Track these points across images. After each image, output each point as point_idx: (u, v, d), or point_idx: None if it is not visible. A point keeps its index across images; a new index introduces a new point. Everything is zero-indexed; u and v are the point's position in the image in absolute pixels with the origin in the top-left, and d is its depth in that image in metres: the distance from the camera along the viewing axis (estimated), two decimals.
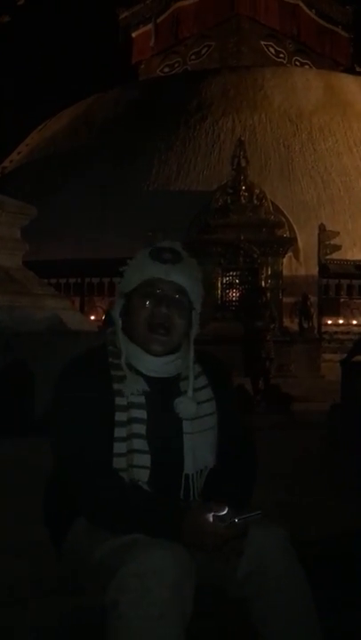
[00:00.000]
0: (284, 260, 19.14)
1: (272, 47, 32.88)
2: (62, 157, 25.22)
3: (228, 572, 2.03)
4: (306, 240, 20.43)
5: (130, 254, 2.29)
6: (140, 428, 2.12)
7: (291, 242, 19.82)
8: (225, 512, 1.94)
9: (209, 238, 18.31)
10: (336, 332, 18.56)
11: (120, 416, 2.12)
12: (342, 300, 19.77)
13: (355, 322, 19.55)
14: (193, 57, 32.71)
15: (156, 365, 2.20)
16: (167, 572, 1.84)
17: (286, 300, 18.36)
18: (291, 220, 20.81)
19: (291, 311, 18.42)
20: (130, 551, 1.90)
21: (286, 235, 19.73)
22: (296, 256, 20.72)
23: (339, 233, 19.42)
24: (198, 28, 32.48)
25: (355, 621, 2.60)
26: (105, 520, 2.06)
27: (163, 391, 2.18)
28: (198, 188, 22.49)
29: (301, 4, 33.20)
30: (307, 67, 32.38)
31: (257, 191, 19.29)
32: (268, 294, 14.57)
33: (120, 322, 2.22)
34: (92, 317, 16.65)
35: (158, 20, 33.23)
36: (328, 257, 19.09)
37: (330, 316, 19.14)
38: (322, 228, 19.15)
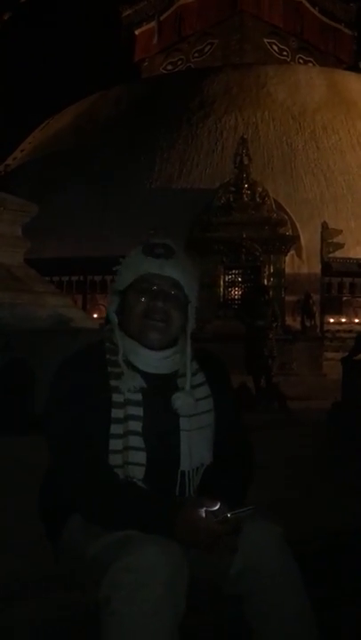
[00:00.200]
0: (287, 258, 19.12)
1: (275, 45, 32.82)
2: (65, 155, 25.18)
3: (223, 568, 2.02)
4: (308, 238, 20.38)
5: None
6: (137, 426, 2.11)
7: (293, 240, 19.77)
8: (217, 507, 1.94)
9: (211, 236, 18.29)
10: (338, 331, 18.51)
11: (117, 413, 2.12)
12: (345, 298, 19.70)
13: (357, 320, 19.49)
14: (196, 55, 32.67)
15: (154, 360, 2.20)
16: (161, 568, 1.83)
17: (289, 298, 18.33)
18: (293, 217, 20.75)
19: (293, 309, 18.39)
20: (123, 547, 1.89)
21: (289, 233, 19.67)
22: (299, 254, 20.68)
23: (342, 231, 19.38)
24: (201, 26, 32.43)
25: (351, 619, 2.60)
26: (98, 516, 2.05)
27: (160, 388, 2.17)
28: (201, 185, 22.43)
29: (305, 2, 33.14)
30: (310, 64, 32.30)
31: (259, 189, 19.27)
32: (271, 292, 14.53)
33: (116, 319, 2.23)
34: (95, 315, 16.60)
35: (161, 18, 33.20)
36: (331, 255, 19.06)
37: (332, 314, 19.10)
38: (325, 226, 19.11)
